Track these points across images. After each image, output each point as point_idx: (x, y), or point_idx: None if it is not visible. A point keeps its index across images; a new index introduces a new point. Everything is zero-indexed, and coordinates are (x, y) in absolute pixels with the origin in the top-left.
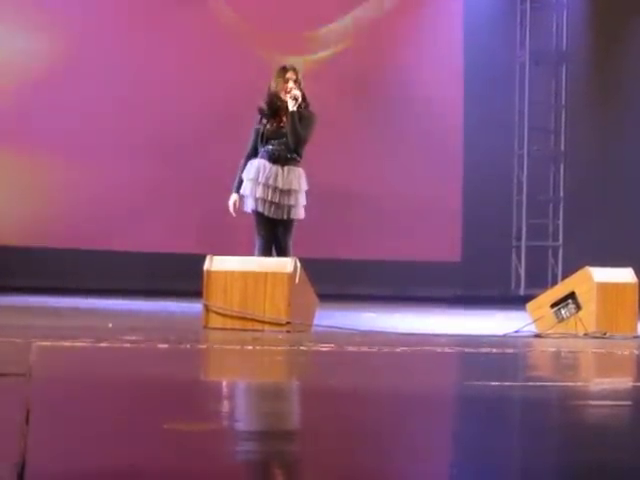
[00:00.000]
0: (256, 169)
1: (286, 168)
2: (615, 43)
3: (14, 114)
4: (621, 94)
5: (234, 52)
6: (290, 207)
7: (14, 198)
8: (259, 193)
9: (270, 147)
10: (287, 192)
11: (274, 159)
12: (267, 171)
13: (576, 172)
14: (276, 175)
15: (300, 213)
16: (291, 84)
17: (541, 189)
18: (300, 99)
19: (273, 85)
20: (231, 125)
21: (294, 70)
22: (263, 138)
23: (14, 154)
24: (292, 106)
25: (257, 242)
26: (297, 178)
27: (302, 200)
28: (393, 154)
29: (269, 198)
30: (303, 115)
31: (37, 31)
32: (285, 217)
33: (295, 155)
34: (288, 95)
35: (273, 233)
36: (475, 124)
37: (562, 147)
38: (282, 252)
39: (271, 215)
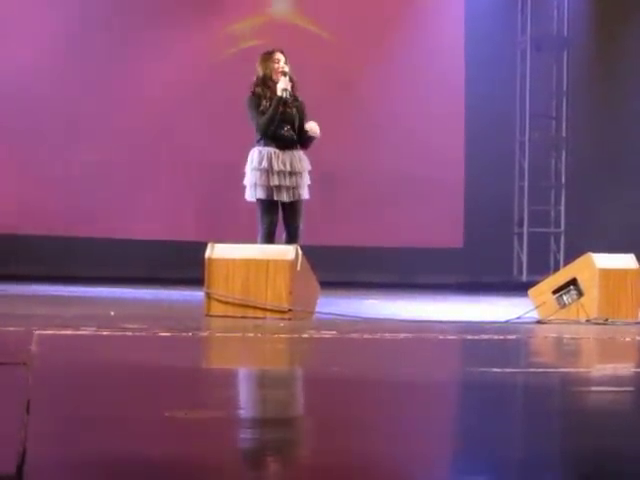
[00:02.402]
0: (267, 158)
1: (295, 151)
2: (616, 29)
3: (14, 101)
4: (622, 80)
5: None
6: (300, 188)
7: (14, 186)
8: (275, 181)
9: (281, 132)
10: (298, 174)
11: (285, 145)
12: (280, 158)
13: (578, 158)
14: (291, 160)
15: (307, 193)
16: (282, 64)
17: (543, 175)
18: (290, 88)
19: (261, 69)
20: (232, 112)
21: (281, 51)
22: (274, 121)
23: (14, 141)
24: (283, 93)
25: (261, 230)
26: (304, 159)
27: (307, 180)
28: (394, 140)
29: (286, 183)
30: (301, 109)
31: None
32: (296, 198)
33: (295, 138)
34: (280, 82)
35: (277, 219)
36: (476, 110)
37: (563, 133)
38: (295, 233)
39: (285, 199)
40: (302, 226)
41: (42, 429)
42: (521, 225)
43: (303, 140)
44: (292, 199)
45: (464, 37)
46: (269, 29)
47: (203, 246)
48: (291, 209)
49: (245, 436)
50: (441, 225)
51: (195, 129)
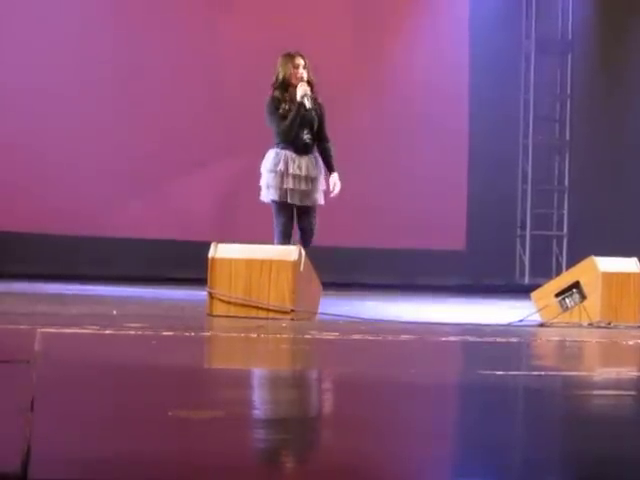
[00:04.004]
0: (284, 161)
1: (312, 156)
2: (621, 32)
3: (11, 99)
4: (626, 83)
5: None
6: (315, 193)
7: (13, 184)
8: (289, 184)
9: (300, 137)
10: (314, 179)
11: (302, 149)
12: (296, 162)
13: (581, 162)
14: (307, 165)
15: (322, 198)
16: (301, 70)
17: (546, 179)
18: (309, 92)
19: (281, 71)
20: (232, 111)
21: (301, 56)
22: (294, 127)
23: (14, 139)
24: (303, 99)
25: (277, 231)
26: (319, 164)
27: (323, 185)
28: (397, 142)
29: (301, 187)
30: (320, 112)
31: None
32: (310, 203)
33: (314, 141)
34: (299, 87)
35: (292, 220)
36: (480, 113)
37: (567, 137)
38: (309, 237)
39: (301, 203)
40: (316, 229)
41: (46, 427)
42: (524, 228)
43: (323, 159)
44: (306, 204)
45: (468, 40)
46: (273, 27)
47: (206, 246)
48: (305, 213)
49: (248, 436)
50: (443, 227)
51: (198, 128)
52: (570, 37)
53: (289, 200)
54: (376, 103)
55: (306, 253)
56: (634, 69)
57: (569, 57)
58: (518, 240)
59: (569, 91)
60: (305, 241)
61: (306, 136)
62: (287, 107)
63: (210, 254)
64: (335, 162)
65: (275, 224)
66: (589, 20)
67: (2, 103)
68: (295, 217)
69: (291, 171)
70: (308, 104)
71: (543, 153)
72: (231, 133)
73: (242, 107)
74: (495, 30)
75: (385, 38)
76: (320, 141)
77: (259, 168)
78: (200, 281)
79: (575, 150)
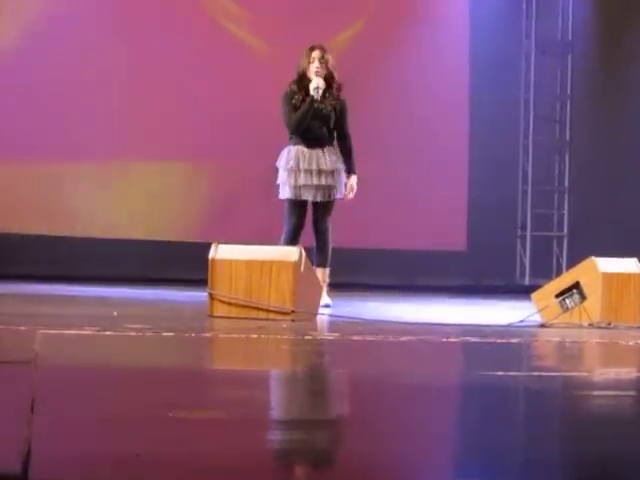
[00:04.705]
0: (295, 157)
1: (326, 149)
2: (621, 32)
3: (11, 99)
4: (626, 84)
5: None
6: (332, 187)
7: (13, 185)
8: (301, 181)
9: (311, 130)
10: (330, 172)
11: (315, 142)
12: (307, 157)
13: (581, 162)
14: (317, 158)
15: (341, 192)
16: (316, 63)
17: (546, 179)
18: (323, 86)
19: (300, 65)
20: (232, 111)
21: (321, 49)
22: (305, 119)
23: (14, 139)
24: (314, 92)
25: (286, 230)
26: (337, 157)
27: (343, 179)
28: (397, 142)
29: (313, 182)
30: (339, 109)
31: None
32: (326, 199)
33: (331, 136)
34: (313, 80)
35: (303, 221)
36: (480, 113)
37: (567, 137)
38: (324, 233)
39: (314, 199)
40: (329, 228)
41: (47, 428)
42: (524, 228)
43: (343, 156)
44: (321, 199)
45: (468, 40)
46: (271, 27)
47: (207, 246)
48: (319, 209)
49: (248, 437)
50: (444, 228)
51: (198, 129)
52: (570, 37)
53: (302, 197)
54: (375, 103)
55: (306, 254)
56: (634, 69)
57: (569, 57)
58: (518, 241)
59: (569, 91)
60: (317, 240)
61: (318, 129)
62: (300, 98)
63: (210, 255)
64: (354, 164)
65: (285, 223)
66: (589, 20)
67: (2, 103)
68: (311, 215)
69: (302, 166)
70: (316, 97)
71: (543, 153)
72: (231, 133)
73: (242, 107)
74: (495, 30)
75: (384, 38)
76: (338, 139)
77: (259, 167)
78: (200, 282)
79: (575, 150)
